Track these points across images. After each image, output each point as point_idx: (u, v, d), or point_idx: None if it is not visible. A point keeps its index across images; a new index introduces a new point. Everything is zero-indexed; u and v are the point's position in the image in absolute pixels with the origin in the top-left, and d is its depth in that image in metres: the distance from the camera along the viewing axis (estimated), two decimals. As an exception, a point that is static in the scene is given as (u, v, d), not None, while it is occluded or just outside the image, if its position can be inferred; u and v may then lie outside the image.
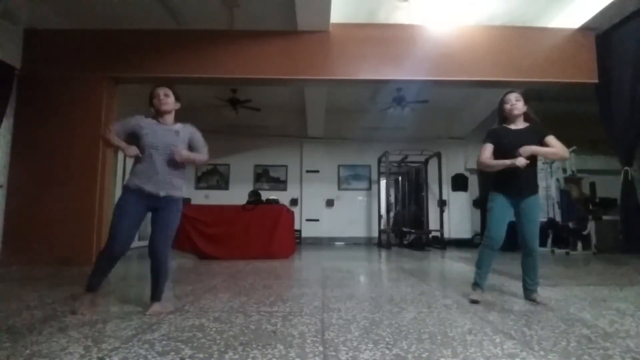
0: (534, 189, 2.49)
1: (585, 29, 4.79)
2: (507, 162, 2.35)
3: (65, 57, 4.72)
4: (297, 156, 9.19)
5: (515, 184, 2.43)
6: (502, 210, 2.45)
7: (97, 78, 4.69)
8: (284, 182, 9.15)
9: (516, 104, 2.51)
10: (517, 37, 4.89)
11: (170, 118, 2.29)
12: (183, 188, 2.28)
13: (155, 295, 2.20)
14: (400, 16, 4.86)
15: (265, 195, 6.07)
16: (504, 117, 2.58)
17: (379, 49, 4.83)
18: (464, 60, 4.79)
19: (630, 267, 4.46)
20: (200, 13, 4.89)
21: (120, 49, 4.78)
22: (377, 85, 6.14)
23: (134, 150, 2.12)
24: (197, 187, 9.02)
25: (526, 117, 2.57)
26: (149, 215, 2.23)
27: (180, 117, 2.37)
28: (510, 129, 2.53)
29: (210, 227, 5.12)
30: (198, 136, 2.35)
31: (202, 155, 2.33)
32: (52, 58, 4.70)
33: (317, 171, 9.10)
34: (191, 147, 2.30)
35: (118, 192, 6.70)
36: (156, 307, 2.16)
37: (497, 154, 2.48)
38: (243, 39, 4.82)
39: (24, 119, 4.58)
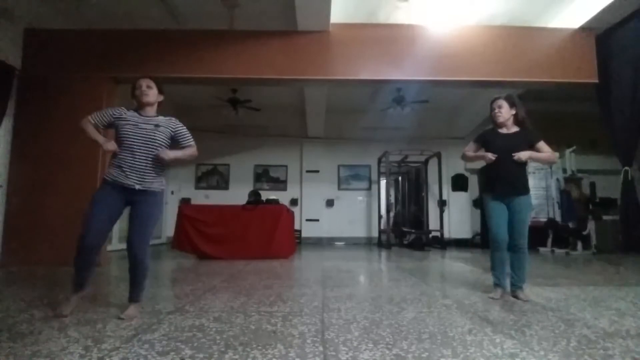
0: (522, 189, 2.58)
1: (585, 29, 4.79)
2: (480, 154, 2.60)
3: (65, 57, 4.71)
4: (297, 156, 9.19)
5: (502, 184, 2.56)
6: (497, 209, 2.58)
7: (97, 78, 4.68)
8: (284, 182, 9.15)
9: (499, 111, 2.62)
10: (517, 37, 4.89)
11: (151, 111, 2.22)
12: (164, 179, 2.22)
13: (134, 296, 2.13)
14: (400, 16, 4.86)
15: (265, 195, 6.07)
16: (493, 122, 2.71)
17: (379, 49, 4.83)
18: (464, 60, 4.79)
19: (630, 267, 4.47)
20: (200, 13, 4.89)
21: (120, 49, 4.78)
22: (377, 85, 6.13)
23: (112, 145, 2.06)
24: (197, 187, 9.02)
25: (518, 120, 2.64)
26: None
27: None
28: (499, 133, 2.66)
29: (210, 227, 5.11)
30: (183, 131, 2.26)
31: (189, 150, 2.24)
32: (52, 58, 4.69)
33: (317, 171, 9.09)
34: (175, 141, 2.23)
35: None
36: (132, 310, 2.07)
37: None
38: (243, 39, 4.82)
39: (24, 119, 4.57)
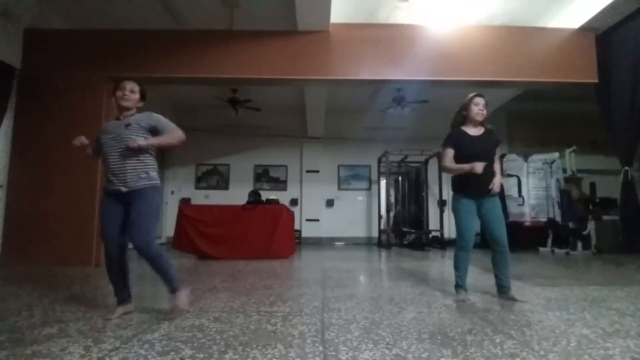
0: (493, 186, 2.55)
1: (585, 29, 4.79)
2: (466, 166, 2.47)
3: (65, 57, 4.72)
4: (297, 156, 9.19)
5: (477, 185, 2.50)
6: (468, 211, 2.54)
7: (97, 78, 4.69)
8: (284, 182, 9.15)
9: (484, 110, 2.57)
10: (517, 37, 4.89)
11: (129, 115, 2.18)
12: (152, 174, 2.15)
13: (172, 288, 2.12)
14: (400, 16, 4.86)
15: (265, 195, 6.07)
16: (466, 118, 2.61)
17: (379, 49, 4.83)
18: (464, 60, 4.79)
19: (630, 267, 4.46)
20: (200, 13, 4.89)
21: (120, 49, 4.78)
22: (377, 85, 6.14)
23: (77, 140, 2.09)
24: (197, 187, 9.02)
25: (482, 122, 2.62)
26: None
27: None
28: (470, 135, 2.59)
29: (210, 227, 5.11)
30: (161, 120, 2.17)
31: (171, 136, 2.14)
32: (52, 58, 4.70)
33: (317, 171, 9.09)
34: (157, 132, 2.15)
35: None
36: (179, 298, 2.11)
37: (458, 159, 2.57)
38: (243, 39, 4.82)
39: (24, 119, 4.58)
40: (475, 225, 2.56)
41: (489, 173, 2.51)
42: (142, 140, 2.04)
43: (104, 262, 2.15)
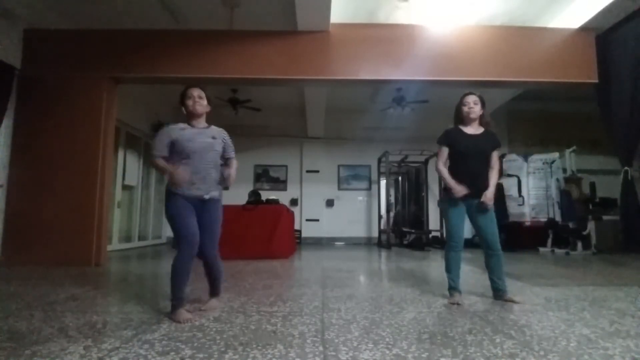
0: (486, 188, 2.49)
1: (585, 29, 4.79)
2: (451, 183, 2.46)
3: (65, 57, 4.72)
4: (297, 156, 9.19)
5: (468, 186, 2.44)
6: (458, 211, 2.50)
7: (97, 78, 4.69)
8: (284, 182, 9.15)
9: (474, 107, 2.53)
10: (517, 37, 4.89)
11: (202, 121, 2.25)
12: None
13: (215, 292, 2.31)
14: (400, 16, 4.86)
15: (265, 195, 6.07)
16: (461, 118, 2.60)
17: (379, 49, 4.83)
18: (464, 60, 4.79)
19: (630, 267, 4.47)
20: (200, 13, 4.88)
21: (120, 49, 4.78)
22: (377, 85, 6.14)
23: (187, 174, 2.05)
24: (197, 187, 9.02)
25: (483, 122, 2.59)
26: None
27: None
28: (466, 134, 2.55)
29: (210, 227, 5.11)
30: (229, 141, 2.34)
31: (235, 163, 2.33)
32: (52, 58, 4.70)
33: (317, 171, 9.09)
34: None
35: (118, 192, 6.69)
36: (214, 302, 2.28)
37: (452, 157, 2.56)
38: (243, 39, 4.82)
39: (24, 119, 4.57)
40: (464, 225, 2.51)
41: (480, 173, 2.49)
42: (231, 173, 2.25)
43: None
